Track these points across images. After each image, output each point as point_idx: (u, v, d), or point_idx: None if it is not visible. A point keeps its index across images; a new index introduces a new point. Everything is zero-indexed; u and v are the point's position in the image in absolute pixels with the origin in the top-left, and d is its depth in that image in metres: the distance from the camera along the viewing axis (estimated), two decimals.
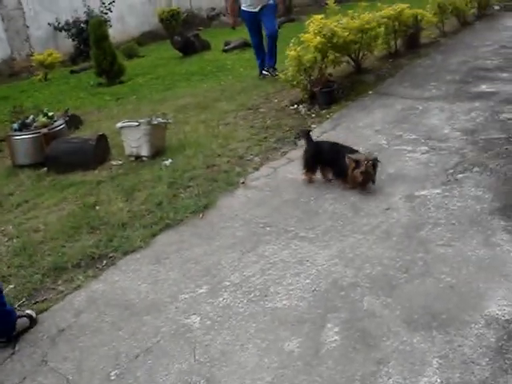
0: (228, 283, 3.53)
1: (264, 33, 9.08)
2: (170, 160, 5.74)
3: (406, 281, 3.31)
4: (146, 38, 18.07)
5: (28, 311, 3.51)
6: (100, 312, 3.43)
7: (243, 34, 14.36)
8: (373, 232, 3.89)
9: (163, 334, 3.13)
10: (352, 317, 3.06)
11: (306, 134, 5.01)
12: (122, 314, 3.38)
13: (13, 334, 3.36)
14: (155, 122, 6.00)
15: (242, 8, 9.01)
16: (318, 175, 4.88)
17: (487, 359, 2.65)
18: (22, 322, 3.41)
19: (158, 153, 5.98)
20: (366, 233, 3.89)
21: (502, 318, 2.90)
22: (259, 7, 8.80)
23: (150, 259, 3.95)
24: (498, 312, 2.96)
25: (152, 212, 4.63)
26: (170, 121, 6.45)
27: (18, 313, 3.45)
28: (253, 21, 8.96)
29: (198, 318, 3.24)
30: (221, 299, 3.38)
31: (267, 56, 9.15)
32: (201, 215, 4.49)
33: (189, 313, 3.30)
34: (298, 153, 5.42)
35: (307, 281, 3.43)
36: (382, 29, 8.44)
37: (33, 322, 3.45)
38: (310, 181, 4.84)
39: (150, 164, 5.79)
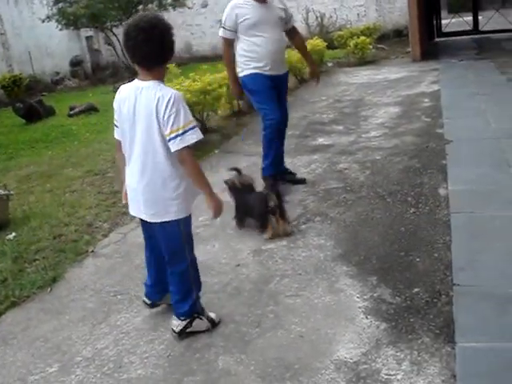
0: (80, 358, 3.40)
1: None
2: (13, 233, 5.48)
3: (258, 335, 3.38)
4: None
5: (212, 315, 3.53)
6: None
7: (88, 98, 14.29)
8: (224, 290, 3.95)
9: None
10: (208, 378, 3.06)
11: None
12: None
13: (185, 329, 3.43)
14: None
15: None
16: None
17: None
18: (199, 323, 3.46)
19: (0, 227, 5.69)
20: (217, 291, 3.93)
21: (350, 361, 3.04)
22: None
23: None
24: (346, 355, 3.09)
25: None
26: (11, 192, 6.17)
27: (205, 312, 3.51)
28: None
29: None
30: (73, 376, 3.24)
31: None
32: (49, 289, 4.32)
33: None
34: None
35: (162, 346, 3.40)
36: (224, 89, 8.75)
37: (214, 325, 3.49)
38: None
39: None
